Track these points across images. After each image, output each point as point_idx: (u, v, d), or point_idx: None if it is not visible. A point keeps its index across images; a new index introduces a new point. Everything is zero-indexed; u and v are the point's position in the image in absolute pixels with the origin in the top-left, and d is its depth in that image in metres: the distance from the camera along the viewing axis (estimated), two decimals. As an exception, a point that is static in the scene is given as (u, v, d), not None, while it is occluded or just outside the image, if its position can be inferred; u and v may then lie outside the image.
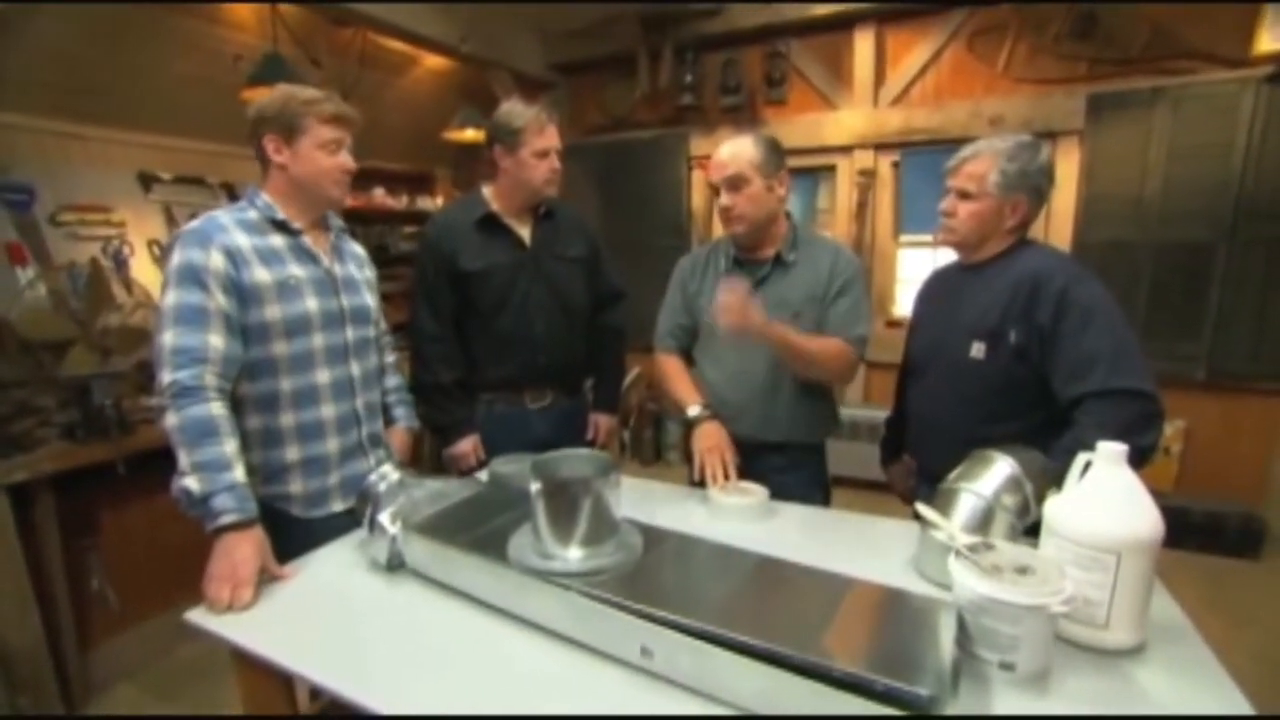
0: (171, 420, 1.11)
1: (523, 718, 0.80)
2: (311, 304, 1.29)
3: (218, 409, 1.13)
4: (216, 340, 1.16)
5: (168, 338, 1.14)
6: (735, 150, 1.46)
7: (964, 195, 1.36)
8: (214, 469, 1.09)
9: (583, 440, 1.94)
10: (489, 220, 1.73)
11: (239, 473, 1.11)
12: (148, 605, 2.22)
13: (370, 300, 1.45)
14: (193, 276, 1.16)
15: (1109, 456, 0.90)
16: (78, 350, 2.05)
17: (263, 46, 2.81)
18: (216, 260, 1.18)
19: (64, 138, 2.57)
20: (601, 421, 1.98)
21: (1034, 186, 1.33)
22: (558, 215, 1.82)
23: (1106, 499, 0.89)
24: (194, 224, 1.22)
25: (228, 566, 1.03)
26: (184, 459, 1.09)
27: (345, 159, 1.31)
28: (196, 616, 1.00)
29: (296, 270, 1.29)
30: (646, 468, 4.16)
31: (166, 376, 1.12)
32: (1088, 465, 0.94)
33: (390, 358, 1.59)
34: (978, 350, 1.34)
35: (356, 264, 1.47)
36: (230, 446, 1.12)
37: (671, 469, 4.13)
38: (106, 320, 2.17)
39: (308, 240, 1.33)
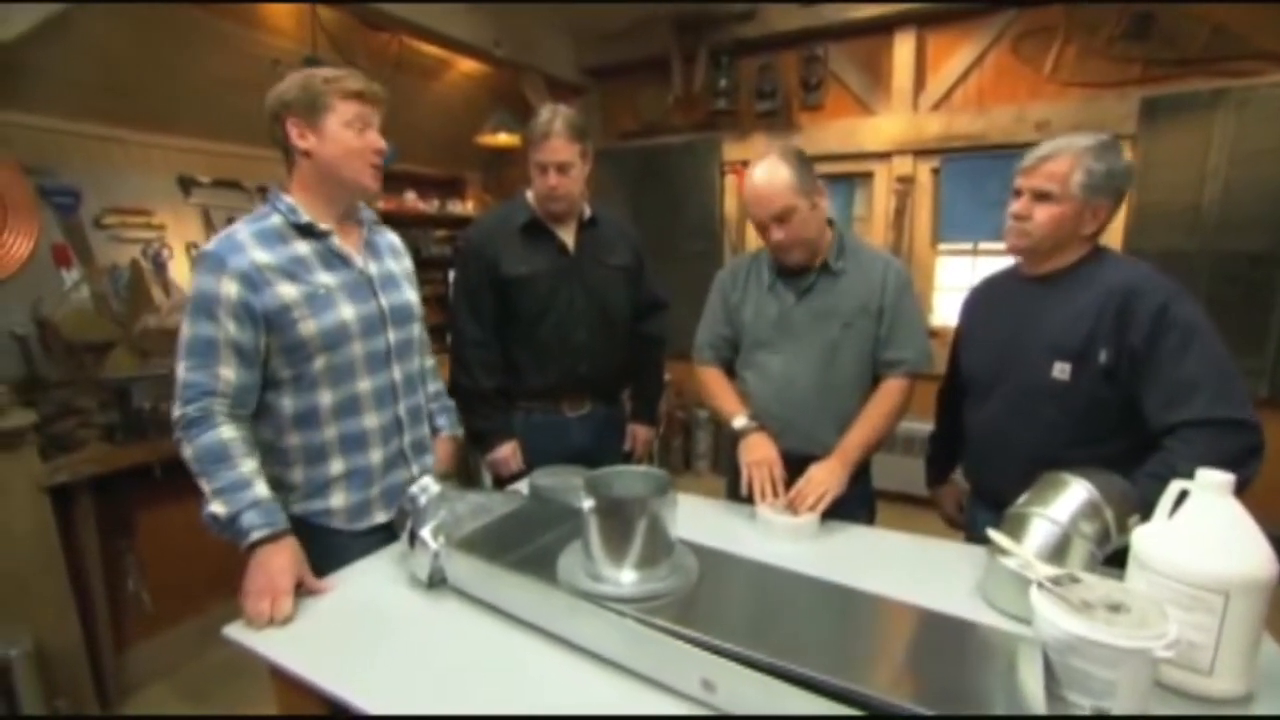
0: (186, 452, 1.10)
1: (518, 718, 0.78)
2: (347, 312, 1.21)
3: (228, 432, 1.10)
4: (228, 373, 1.12)
5: (180, 370, 1.12)
6: (771, 178, 1.39)
7: (1042, 197, 1.23)
8: (234, 490, 1.07)
9: (620, 450, 1.89)
10: (532, 225, 1.70)
11: (260, 489, 1.09)
12: (182, 607, 2.23)
13: (411, 295, 1.36)
14: (203, 307, 1.11)
15: (1213, 486, 0.83)
16: (118, 352, 2.07)
17: (301, 51, 2.83)
18: (228, 288, 1.11)
19: (107, 141, 2.61)
20: (640, 432, 1.94)
21: (1118, 189, 1.23)
22: (602, 222, 1.79)
23: (1211, 532, 0.82)
24: (211, 245, 1.14)
25: (264, 580, 1.01)
26: (205, 486, 1.08)
27: (375, 138, 1.22)
28: (235, 632, 0.97)
29: (326, 278, 1.20)
30: (676, 477, 4.09)
31: (176, 410, 1.11)
32: (1183, 494, 0.87)
33: (429, 361, 1.51)
34: (1061, 371, 1.22)
35: (393, 256, 1.37)
36: (247, 466, 1.10)
37: (701, 479, 4.07)
38: (145, 322, 2.19)
39: (337, 241, 1.23)
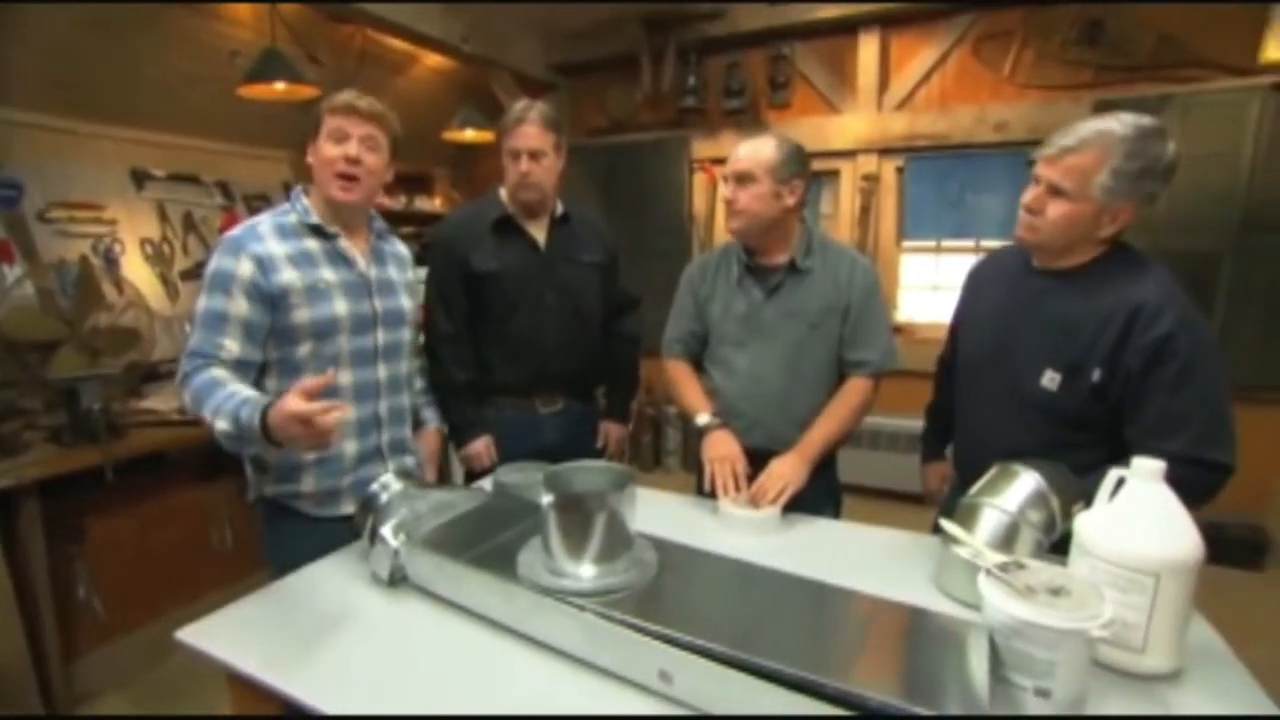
0: (185, 398, 1.20)
1: (470, 718, 0.78)
2: (340, 307, 1.30)
3: (219, 372, 1.18)
4: (231, 344, 1.21)
5: (192, 339, 1.22)
6: (754, 148, 1.44)
7: (1056, 191, 1.09)
8: (225, 402, 1.13)
9: (593, 447, 1.90)
10: (504, 222, 1.70)
11: (245, 392, 1.15)
12: (137, 614, 2.17)
13: (406, 303, 1.44)
14: (220, 283, 1.22)
15: (1145, 473, 0.87)
16: (66, 351, 1.99)
17: (260, 42, 2.76)
18: (245, 268, 1.22)
19: (55, 133, 2.51)
20: (613, 430, 1.94)
21: (1149, 192, 1.08)
22: (575, 219, 1.79)
23: (1144, 518, 0.86)
24: (234, 231, 1.27)
25: (295, 426, 0.99)
26: (207, 415, 1.15)
27: (348, 148, 1.26)
28: (188, 636, 0.95)
29: (328, 274, 1.30)
30: (646, 474, 4.11)
31: (180, 370, 1.21)
32: (1120, 482, 0.91)
33: (418, 361, 1.59)
34: (1050, 380, 1.15)
35: (398, 266, 1.46)
36: (234, 386, 1.16)
37: (671, 475, 4.09)
38: (96, 320, 2.11)
39: (345, 244, 1.33)
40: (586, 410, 1.89)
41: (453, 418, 1.72)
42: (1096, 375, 1.11)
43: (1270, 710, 0.80)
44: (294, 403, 0.98)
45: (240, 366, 1.22)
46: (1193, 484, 0.96)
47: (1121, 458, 1.05)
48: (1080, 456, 1.13)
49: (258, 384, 1.27)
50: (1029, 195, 1.15)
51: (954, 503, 1.38)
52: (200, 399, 1.16)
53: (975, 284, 1.42)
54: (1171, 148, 1.07)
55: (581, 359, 1.80)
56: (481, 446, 1.72)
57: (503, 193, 1.72)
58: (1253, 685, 0.84)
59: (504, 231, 1.70)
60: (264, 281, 1.23)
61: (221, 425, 1.13)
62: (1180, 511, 0.85)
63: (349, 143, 1.27)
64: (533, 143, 1.61)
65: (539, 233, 1.73)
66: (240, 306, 1.21)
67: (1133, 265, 1.13)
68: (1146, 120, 1.07)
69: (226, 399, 1.13)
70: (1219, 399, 1.07)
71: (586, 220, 1.84)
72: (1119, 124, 1.06)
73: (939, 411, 1.57)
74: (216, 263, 1.23)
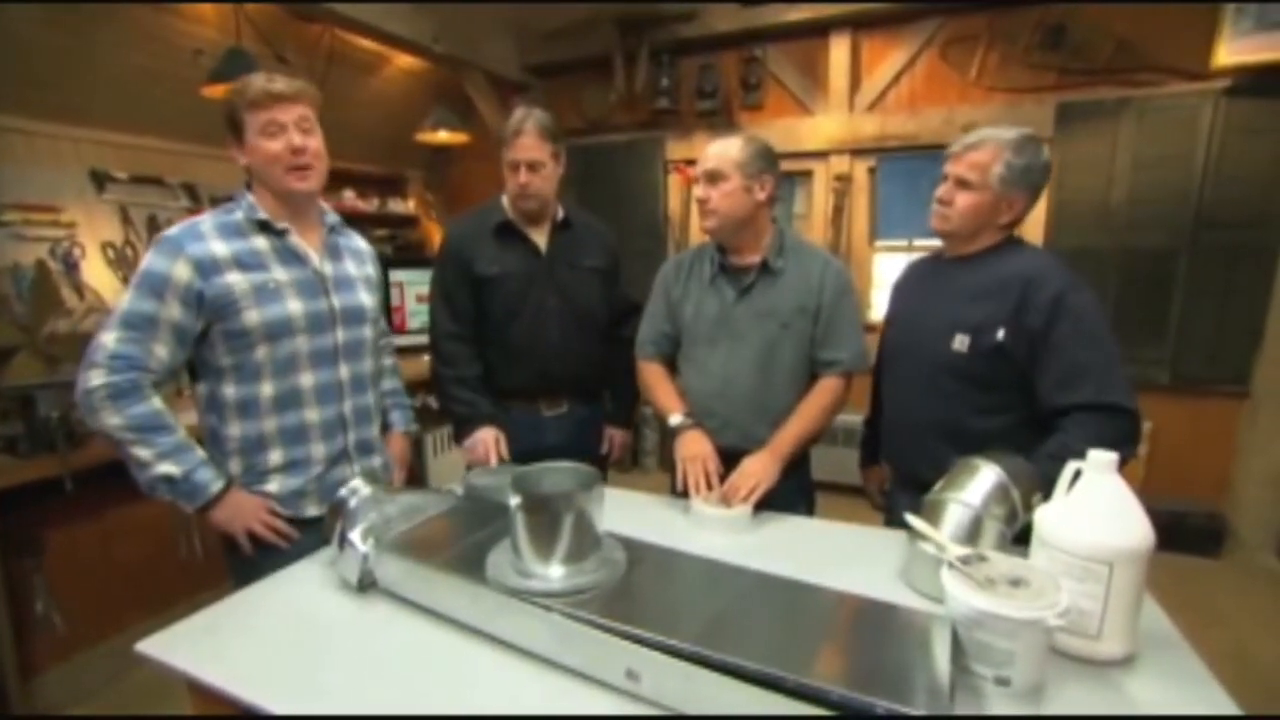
0: (113, 420, 1.13)
1: (434, 718, 0.78)
2: (294, 306, 1.25)
3: (159, 404, 1.17)
4: (161, 351, 1.17)
5: (109, 339, 1.14)
6: (723, 147, 1.46)
7: (963, 184, 1.29)
8: (181, 451, 1.17)
9: (596, 450, 1.88)
10: (505, 227, 1.71)
11: (201, 451, 1.22)
12: (99, 628, 2.11)
13: (367, 299, 1.40)
14: (151, 285, 1.15)
15: (1100, 465, 0.89)
16: (21, 358, 1.94)
17: (225, 41, 2.71)
18: (180, 271, 1.16)
19: (8, 132, 2.44)
20: (616, 435, 1.93)
21: (1034, 185, 1.29)
22: (576, 224, 1.79)
23: (1098, 509, 0.88)
24: (173, 230, 1.20)
25: (250, 517, 1.21)
26: (145, 451, 1.14)
27: (291, 139, 1.20)
28: (149, 647, 0.93)
29: (279, 273, 1.25)
30: (624, 474, 4.11)
31: (97, 379, 1.12)
32: (1077, 474, 0.93)
33: (388, 360, 1.56)
34: (960, 343, 1.30)
35: (356, 261, 1.42)
36: (183, 432, 1.19)
37: (648, 475, 4.09)
38: (54, 326, 2.06)
39: (295, 240, 1.28)
40: (591, 413, 1.88)
41: (458, 409, 1.69)
42: (1000, 334, 1.26)
43: (1215, 691, 0.82)
44: (269, 516, 1.21)
45: (167, 374, 1.19)
46: (1105, 430, 1.13)
47: (1032, 423, 1.23)
48: (994, 422, 1.30)
49: (213, 391, 1.25)
50: (941, 190, 1.34)
51: (897, 497, 1.46)
52: (144, 434, 1.14)
53: (897, 293, 1.57)
54: (1046, 152, 1.31)
55: (583, 363, 1.79)
56: (490, 437, 1.62)
57: (505, 199, 1.73)
58: (1201, 669, 0.87)
59: (506, 237, 1.71)
60: (203, 286, 1.16)
61: (169, 469, 1.15)
62: (1131, 500, 0.88)
63: (287, 132, 1.21)
64: (531, 154, 1.61)
65: (540, 238, 1.73)
66: (173, 312, 1.15)
67: (1024, 248, 1.35)
68: (1027, 130, 1.31)
69: (182, 448, 1.17)
70: (1111, 350, 1.22)
71: (589, 225, 1.84)
72: (1005, 130, 1.29)
73: (874, 422, 1.65)
74: (150, 263, 1.15)
